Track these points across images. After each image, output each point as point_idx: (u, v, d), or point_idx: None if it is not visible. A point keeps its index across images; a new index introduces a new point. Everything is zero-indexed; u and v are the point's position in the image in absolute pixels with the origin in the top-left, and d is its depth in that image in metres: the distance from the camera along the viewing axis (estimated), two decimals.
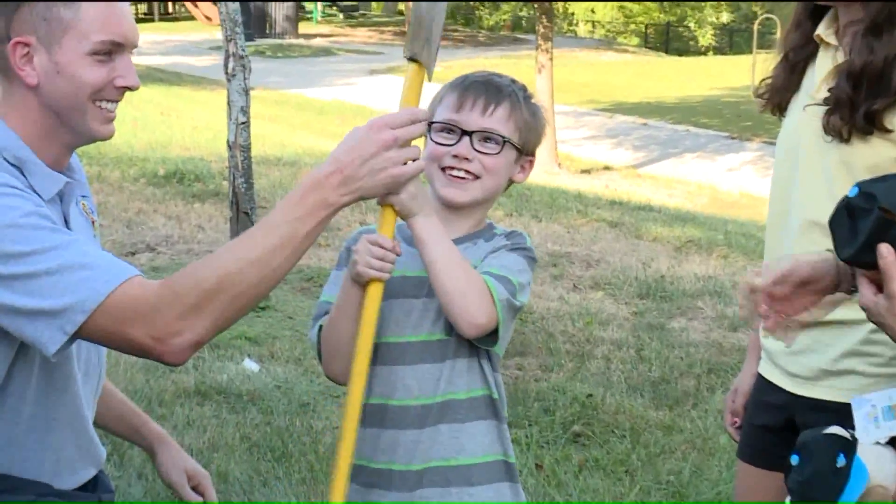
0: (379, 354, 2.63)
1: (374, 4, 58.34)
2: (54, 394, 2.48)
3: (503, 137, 2.68)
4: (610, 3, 52.59)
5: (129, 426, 2.96)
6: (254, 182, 8.56)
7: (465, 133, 2.67)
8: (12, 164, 2.40)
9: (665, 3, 37.79)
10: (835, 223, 2.14)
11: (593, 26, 59.01)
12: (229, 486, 5.19)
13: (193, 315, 2.24)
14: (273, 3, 41.27)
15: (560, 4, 26.25)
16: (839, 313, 2.71)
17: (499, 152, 2.68)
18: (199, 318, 2.24)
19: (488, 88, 2.70)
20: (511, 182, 2.78)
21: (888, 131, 2.75)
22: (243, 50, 8.25)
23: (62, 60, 2.40)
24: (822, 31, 2.93)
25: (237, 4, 8.37)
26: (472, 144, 2.66)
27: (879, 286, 2.11)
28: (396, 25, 43.00)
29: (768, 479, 3.07)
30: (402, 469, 2.66)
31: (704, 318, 8.52)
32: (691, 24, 46.57)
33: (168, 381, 6.37)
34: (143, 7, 47.06)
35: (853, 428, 2.22)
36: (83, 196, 2.62)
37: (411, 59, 2.43)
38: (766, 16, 30.73)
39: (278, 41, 39.76)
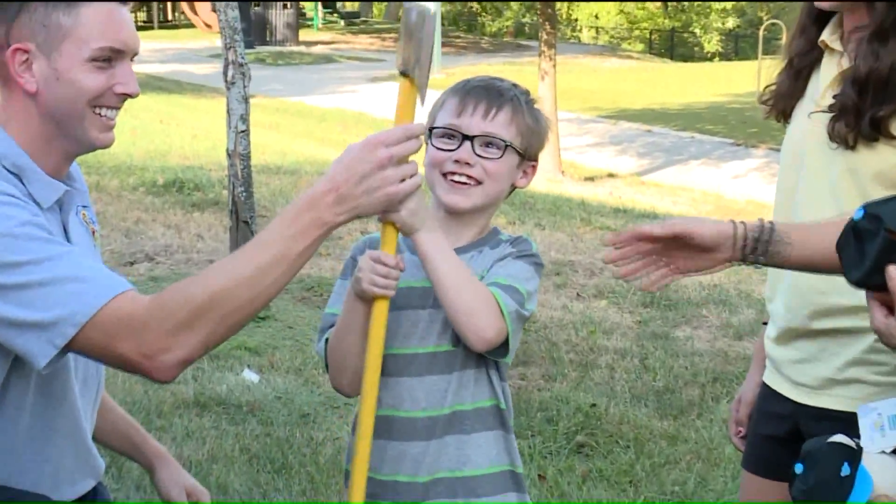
0: (386, 365, 2.59)
1: (375, 11, 58.42)
2: (52, 404, 2.47)
3: (505, 142, 2.65)
4: (614, 10, 52.66)
5: (129, 442, 2.95)
6: (253, 191, 8.54)
7: (466, 138, 2.64)
8: (11, 172, 2.38)
9: (670, 9, 37.75)
10: (842, 246, 2.13)
11: (597, 32, 59.15)
12: (229, 498, 5.17)
13: (183, 332, 2.21)
14: (274, 11, 41.31)
15: (564, 10, 26.28)
16: (845, 322, 2.80)
17: (500, 157, 2.65)
18: (188, 336, 2.22)
19: (489, 93, 2.67)
20: (514, 187, 2.75)
21: (894, 138, 2.73)
22: (243, 58, 8.24)
23: (61, 67, 2.39)
24: (827, 36, 2.91)
25: (237, 12, 8.36)
26: (473, 149, 2.63)
27: (890, 308, 2.10)
28: (399, 32, 42.83)
29: (773, 489, 3.06)
30: (407, 480, 2.64)
31: (709, 326, 8.50)
32: (696, 30, 46.62)
33: (167, 393, 6.34)
34: (142, 15, 47.14)
35: (858, 437, 2.21)
36: (84, 206, 2.61)
37: (403, 74, 2.38)
38: (771, 21, 30.74)
39: (279, 48, 39.81)
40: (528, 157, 2.72)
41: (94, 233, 2.64)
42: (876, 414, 2.22)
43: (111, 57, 2.43)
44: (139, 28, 2.91)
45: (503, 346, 2.57)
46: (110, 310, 2.21)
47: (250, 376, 6.79)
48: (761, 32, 29.91)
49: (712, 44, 48.09)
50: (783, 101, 3.04)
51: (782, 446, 3.00)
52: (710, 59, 49.00)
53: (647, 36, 57.21)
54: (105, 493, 2.73)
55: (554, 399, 6.53)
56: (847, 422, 2.32)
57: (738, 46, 52.67)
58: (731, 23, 47.29)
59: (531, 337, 7.76)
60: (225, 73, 8.26)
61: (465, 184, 2.64)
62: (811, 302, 2.89)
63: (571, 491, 5.39)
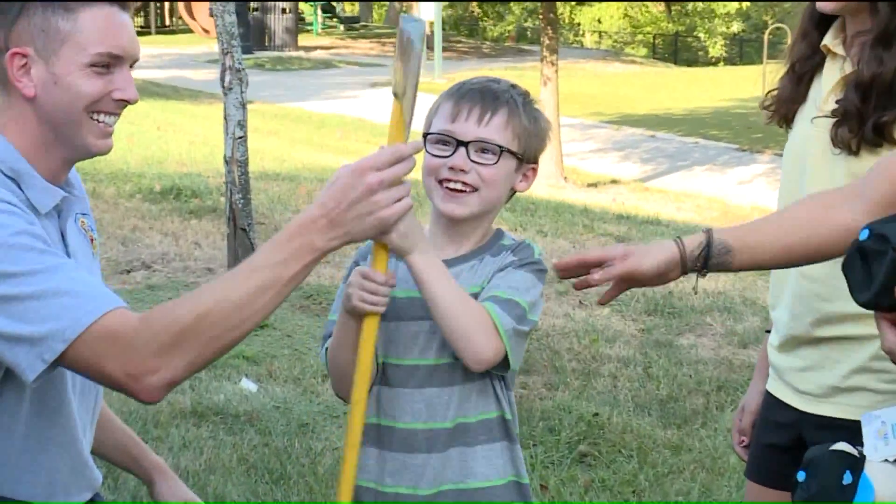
0: (387, 376, 2.62)
1: (375, 16, 58.44)
2: (47, 413, 2.47)
3: (500, 147, 2.60)
4: (617, 14, 52.66)
5: (128, 455, 2.95)
6: (251, 197, 8.55)
7: (460, 144, 2.59)
8: (9, 177, 2.39)
9: (673, 13, 37.71)
10: (848, 267, 2.11)
11: (600, 37, 59.22)
12: None
13: (168, 354, 2.20)
14: (272, 16, 41.30)
15: (566, 15, 26.24)
16: (849, 329, 2.81)
17: (496, 162, 2.60)
18: (173, 358, 2.21)
19: (484, 96, 2.63)
20: (513, 192, 2.72)
21: None
22: (240, 63, 8.23)
23: (59, 72, 2.40)
24: (829, 41, 2.90)
25: (234, 17, 8.36)
26: (468, 155, 2.59)
27: None
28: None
29: (777, 499, 3.05)
30: (408, 493, 2.63)
31: (714, 334, 8.45)
32: (700, 35, 46.57)
33: (164, 402, 6.26)
34: (139, 20, 47.13)
35: (862, 445, 2.19)
36: (83, 214, 2.61)
37: (396, 96, 2.34)
38: (776, 25, 30.70)
39: (278, 53, 39.81)
40: (526, 160, 2.68)
41: (92, 241, 2.63)
42: (880, 422, 2.18)
43: (110, 63, 2.43)
44: (137, 33, 2.88)
45: (504, 361, 2.54)
46: (99, 327, 2.20)
47: (248, 385, 6.73)
48: (766, 36, 29.90)
49: (716, 48, 48.08)
50: (785, 107, 3.03)
51: (786, 455, 2.98)
52: (714, 64, 49.04)
53: (651, 40, 57.26)
54: None
55: (556, 408, 6.49)
56: (851, 430, 2.27)
57: (742, 51, 52.69)
58: (735, 27, 47.25)
59: (533, 345, 7.70)
60: (222, 79, 8.26)
61: (460, 191, 2.60)
62: (814, 309, 2.88)
63: (574, 501, 5.35)
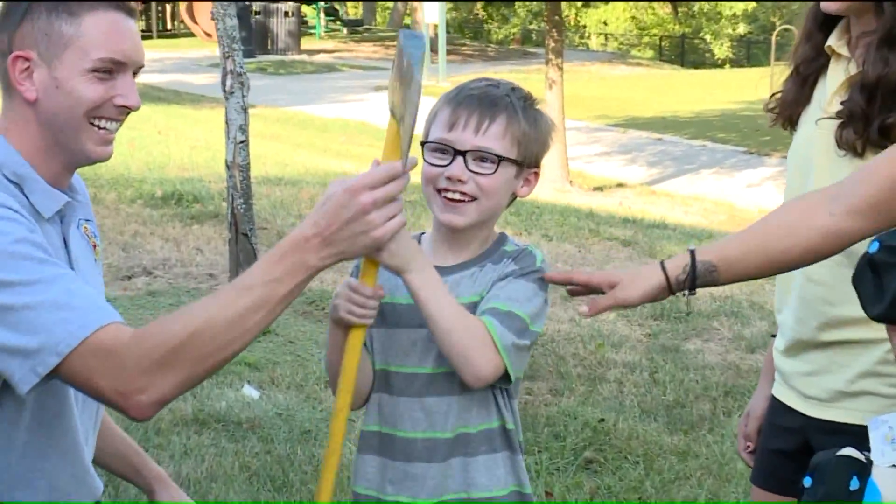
0: (386, 383, 2.61)
1: (378, 18, 58.50)
2: (49, 420, 2.46)
3: (498, 156, 2.57)
4: (623, 16, 52.68)
5: (129, 465, 2.94)
6: (253, 203, 8.53)
7: (458, 153, 2.57)
8: (12, 181, 2.40)
9: (680, 14, 37.77)
10: (858, 281, 2.10)
11: (606, 39, 59.21)
12: None
13: (159, 372, 2.21)
14: (275, 19, 41.29)
15: (572, 17, 26.21)
16: (855, 333, 2.80)
17: (494, 172, 2.57)
18: (164, 377, 2.21)
19: (482, 103, 2.59)
20: (515, 196, 2.69)
21: None
22: (241, 67, 8.21)
23: (61, 76, 2.41)
24: (834, 42, 2.89)
25: (235, 20, 8.34)
26: (466, 164, 2.56)
27: None
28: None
29: None
30: (409, 502, 2.62)
31: (721, 339, 8.44)
32: (707, 37, 46.65)
33: (164, 409, 6.21)
34: (141, 24, 47.10)
35: (869, 450, 2.19)
36: (86, 220, 2.62)
37: (393, 113, 2.34)
38: (784, 27, 30.68)
39: (280, 57, 39.78)
40: (527, 165, 2.64)
41: (95, 247, 2.63)
42: (887, 427, 2.17)
43: (112, 69, 2.43)
44: None
45: (505, 375, 2.53)
46: (93, 342, 2.20)
47: (250, 392, 6.71)
48: (774, 38, 29.83)
49: (722, 50, 48.11)
50: (790, 109, 3.03)
51: (792, 461, 2.99)
52: (721, 66, 49.04)
53: (658, 42, 57.27)
54: None
55: (561, 414, 6.48)
56: (858, 435, 2.28)
57: (750, 53, 52.70)
58: (741, 29, 47.31)
59: (538, 351, 7.69)
60: (223, 83, 8.24)
61: (459, 201, 2.57)
62: (820, 313, 2.88)
63: None
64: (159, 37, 46.41)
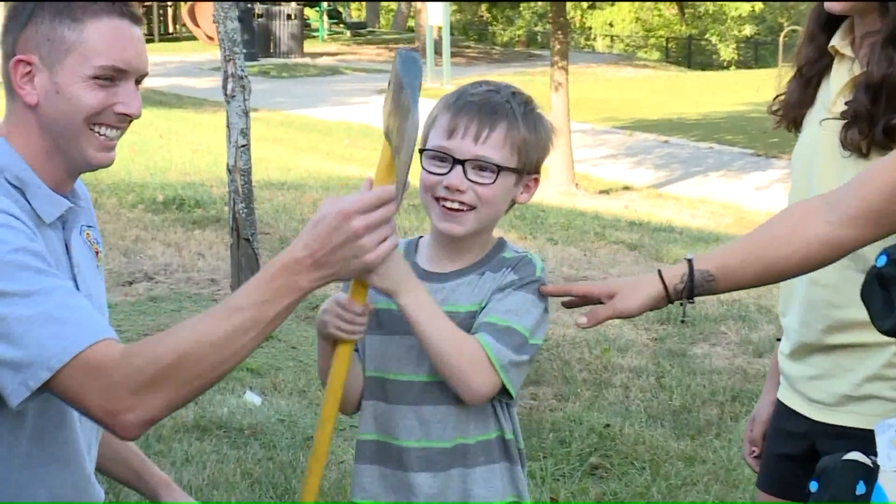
0: (383, 391, 2.59)
1: (382, 21, 58.52)
2: (50, 430, 2.47)
3: (498, 166, 2.54)
4: (629, 17, 52.66)
5: (132, 471, 2.95)
6: (255, 207, 8.53)
7: (457, 162, 2.53)
8: (14, 186, 2.41)
9: (686, 15, 37.71)
10: (866, 295, 2.10)
11: (612, 41, 59.26)
12: None
13: (146, 393, 2.21)
14: (278, 22, 41.32)
15: (577, 18, 26.14)
16: (861, 336, 2.78)
17: (493, 181, 2.54)
18: (152, 397, 2.21)
19: (481, 110, 2.55)
20: (514, 202, 2.66)
21: None
22: (243, 70, 8.18)
23: (62, 81, 2.41)
24: (837, 42, 2.88)
25: (236, 23, 8.32)
26: (465, 174, 2.53)
27: None
28: (407, 42, 42.92)
29: None
30: None
31: (728, 343, 8.41)
32: (713, 38, 46.59)
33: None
34: (143, 28, 46.99)
35: (875, 455, 2.18)
36: (89, 226, 2.63)
37: (387, 137, 2.32)
38: (792, 28, 30.62)
39: (283, 60, 39.84)
40: (527, 172, 2.62)
41: (97, 254, 2.65)
42: (893, 431, 2.16)
43: (114, 76, 2.44)
44: None
45: (504, 390, 2.51)
46: (84, 358, 2.20)
47: (252, 398, 6.69)
48: (781, 39, 29.84)
49: (728, 52, 48.10)
50: (793, 111, 3.02)
51: (798, 466, 2.98)
52: (727, 68, 49.02)
53: (664, 44, 57.31)
54: None
55: (567, 419, 6.46)
56: (864, 439, 2.27)
57: (758, 54, 52.72)
58: (748, 30, 47.27)
59: (543, 356, 7.66)
60: (224, 87, 8.22)
61: (458, 210, 2.54)
62: (825, 316, 2.87)
63: None
64: (161, 40, 46.47)
